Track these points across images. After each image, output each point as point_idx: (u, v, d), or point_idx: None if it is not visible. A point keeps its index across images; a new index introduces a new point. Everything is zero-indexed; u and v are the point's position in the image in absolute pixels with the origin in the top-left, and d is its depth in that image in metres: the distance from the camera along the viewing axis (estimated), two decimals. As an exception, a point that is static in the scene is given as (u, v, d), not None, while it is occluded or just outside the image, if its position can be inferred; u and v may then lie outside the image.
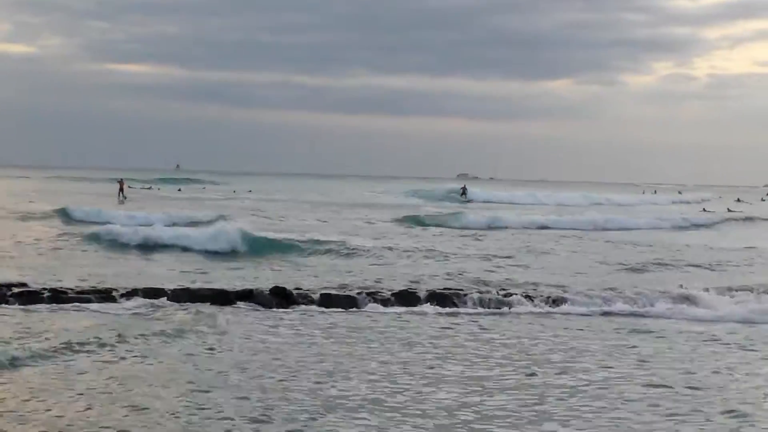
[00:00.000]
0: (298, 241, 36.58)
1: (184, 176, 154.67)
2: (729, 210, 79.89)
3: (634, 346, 18.02)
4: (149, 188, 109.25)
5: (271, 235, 37.69)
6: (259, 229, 39.88)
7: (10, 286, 22.38)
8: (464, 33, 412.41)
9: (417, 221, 53.57)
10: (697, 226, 59.11)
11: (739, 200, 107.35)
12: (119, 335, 16.98)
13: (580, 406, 13.12)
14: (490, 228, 51.65)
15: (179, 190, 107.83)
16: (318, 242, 36.31)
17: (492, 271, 30.04)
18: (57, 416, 11.81)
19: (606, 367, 15.92)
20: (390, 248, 36.07)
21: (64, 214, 48.13)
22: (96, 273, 26.72)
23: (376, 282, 26.31)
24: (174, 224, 43.46)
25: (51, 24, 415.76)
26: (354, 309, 22.24)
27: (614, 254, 37.28)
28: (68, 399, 12.59)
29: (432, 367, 15.55)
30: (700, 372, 15.65)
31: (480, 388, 14.03)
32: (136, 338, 16.96)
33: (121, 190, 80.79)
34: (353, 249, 35.04)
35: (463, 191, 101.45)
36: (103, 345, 16.17)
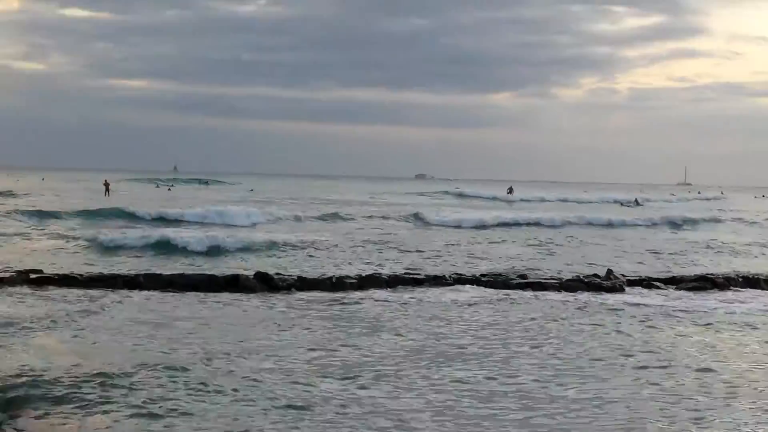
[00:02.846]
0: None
1: (185, 176, 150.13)
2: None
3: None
4: (170, 188, 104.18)
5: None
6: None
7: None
8: (422, 52, 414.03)
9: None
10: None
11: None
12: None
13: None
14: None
15: (169, 189, 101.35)
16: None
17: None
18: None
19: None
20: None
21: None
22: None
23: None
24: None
25: (60, 45, 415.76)
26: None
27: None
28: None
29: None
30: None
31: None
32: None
33: (107, 189, 78.07)
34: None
35: (510, 190, 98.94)
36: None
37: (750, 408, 11.37)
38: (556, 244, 37.12)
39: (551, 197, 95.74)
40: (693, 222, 55.50)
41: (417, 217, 50.75)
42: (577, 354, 14.64)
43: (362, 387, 11.97)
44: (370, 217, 50.76)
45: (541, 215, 53.53)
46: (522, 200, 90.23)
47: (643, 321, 18.41)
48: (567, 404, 11.33)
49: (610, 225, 51.64)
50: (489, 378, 12.66)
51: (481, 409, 11.09)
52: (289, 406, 10.88)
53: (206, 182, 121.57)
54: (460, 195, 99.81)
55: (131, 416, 10.38)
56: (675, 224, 53.75)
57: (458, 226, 46.75)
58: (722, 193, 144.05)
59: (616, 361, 14.13)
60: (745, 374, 13.44)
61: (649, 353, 14.77)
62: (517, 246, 36.14)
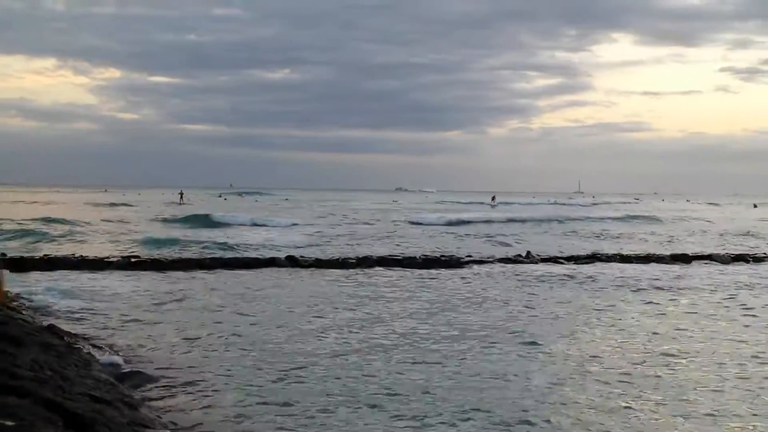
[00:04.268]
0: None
1: (238, 191, 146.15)
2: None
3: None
4: (225, 199, 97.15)
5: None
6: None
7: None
8: (395, 104, 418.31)
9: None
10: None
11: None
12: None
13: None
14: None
15: (225, 199, 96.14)
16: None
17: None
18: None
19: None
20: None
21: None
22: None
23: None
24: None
25: (148, 101, 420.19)
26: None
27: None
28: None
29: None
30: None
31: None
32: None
33: (181, 197, 75.17)
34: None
35: (493, 199, 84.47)
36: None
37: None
38: (505, 235, 35.86)
39: (521, 201, 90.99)
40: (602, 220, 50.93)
41: (409, 220, 45.81)
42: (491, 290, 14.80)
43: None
44: (377, 218, 49.98)
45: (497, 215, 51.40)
46: (502, 203, 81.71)
47: (540, 281, 18.48)
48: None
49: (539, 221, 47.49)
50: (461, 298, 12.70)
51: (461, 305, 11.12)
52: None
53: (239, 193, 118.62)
54: (457, 202, 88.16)
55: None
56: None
57: (448, 224, 43.26)
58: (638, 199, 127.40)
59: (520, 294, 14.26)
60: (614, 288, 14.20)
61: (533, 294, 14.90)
62: (474, 236, 35.47)
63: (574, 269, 21.53)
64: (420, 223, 43.92)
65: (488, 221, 46.41)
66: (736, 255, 26.14)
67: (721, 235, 38.74)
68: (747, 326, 12.73)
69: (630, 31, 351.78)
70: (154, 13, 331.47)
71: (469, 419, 7.29)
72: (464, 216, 47.41)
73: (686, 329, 12.30)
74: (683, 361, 9.97)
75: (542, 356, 10.14)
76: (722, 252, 27.07)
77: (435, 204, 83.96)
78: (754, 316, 13.85)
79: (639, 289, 17.33)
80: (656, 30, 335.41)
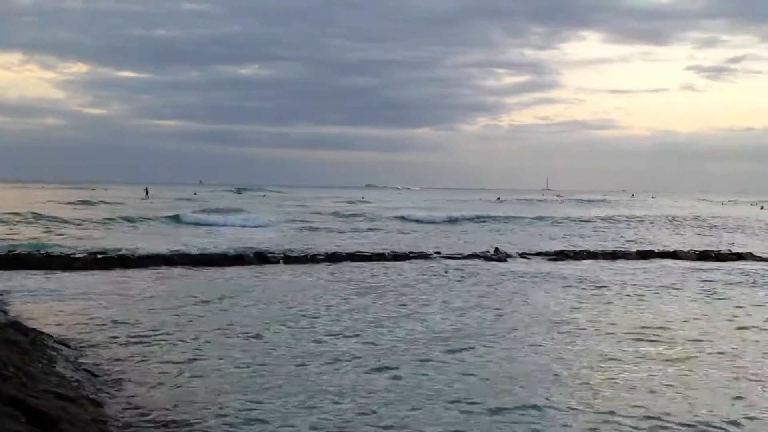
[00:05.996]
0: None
1: (209, 188, 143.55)
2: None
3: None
4: (195, 194, 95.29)
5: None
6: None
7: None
8: (368, 100, 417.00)
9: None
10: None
11: None
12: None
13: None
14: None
15: (195, 193, 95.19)
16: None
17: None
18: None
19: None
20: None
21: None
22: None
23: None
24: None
25: (116, 96, 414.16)
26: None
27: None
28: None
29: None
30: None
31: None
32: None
33: (147, 194, 77.14)
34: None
35: (498, 199, 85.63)
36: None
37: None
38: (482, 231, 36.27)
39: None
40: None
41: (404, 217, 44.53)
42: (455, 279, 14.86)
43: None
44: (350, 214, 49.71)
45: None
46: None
47: (508, 277, 18.62)
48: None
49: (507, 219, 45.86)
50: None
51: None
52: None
53: (239, 191, 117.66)
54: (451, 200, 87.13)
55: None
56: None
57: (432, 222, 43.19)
58: (633, 195, 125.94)
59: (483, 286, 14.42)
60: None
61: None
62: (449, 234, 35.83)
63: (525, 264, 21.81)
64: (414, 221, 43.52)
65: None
66: (700, 252, 26.67)
67: (684, 229, 39.48)
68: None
69: (598, 29, 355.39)
70: (124, 7, 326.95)
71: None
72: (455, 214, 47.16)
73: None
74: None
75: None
76: (687, 249, 27.57)
77: (445, 203, 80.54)
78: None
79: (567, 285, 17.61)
80: (624, 28, 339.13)
